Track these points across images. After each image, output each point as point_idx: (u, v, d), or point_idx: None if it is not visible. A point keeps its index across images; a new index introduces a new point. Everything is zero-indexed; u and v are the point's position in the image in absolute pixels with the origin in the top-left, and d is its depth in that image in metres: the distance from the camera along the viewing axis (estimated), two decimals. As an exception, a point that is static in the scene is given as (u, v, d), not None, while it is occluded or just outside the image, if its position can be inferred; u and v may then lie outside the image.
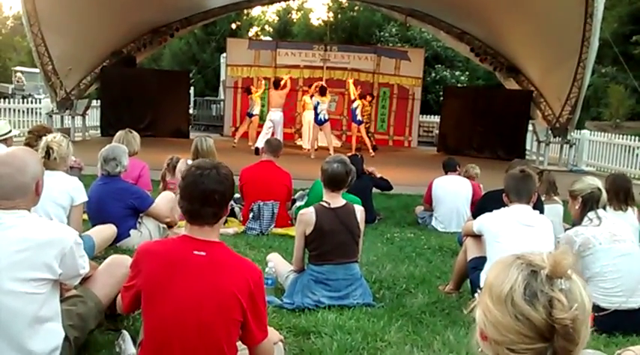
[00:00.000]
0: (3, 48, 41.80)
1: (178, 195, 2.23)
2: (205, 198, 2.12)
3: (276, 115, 12.52)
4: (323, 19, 30.38)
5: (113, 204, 4.51)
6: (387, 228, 6.24)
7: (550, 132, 12.92)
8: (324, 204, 3.56)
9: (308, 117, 13.38)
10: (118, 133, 5.64)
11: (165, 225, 4.80)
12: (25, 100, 15.32)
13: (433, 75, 25.06)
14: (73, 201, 4.00)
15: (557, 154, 13.34)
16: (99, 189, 4.58)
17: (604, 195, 3.59)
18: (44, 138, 4.18)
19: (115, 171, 4.56)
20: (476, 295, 1.23)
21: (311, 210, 3.55)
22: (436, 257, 5.09)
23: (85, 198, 4.16)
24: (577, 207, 3.57)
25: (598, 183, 3.64)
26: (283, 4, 29.34)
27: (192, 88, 19.08)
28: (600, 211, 3.51)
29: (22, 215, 2.24)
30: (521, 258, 1.15)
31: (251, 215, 5.59)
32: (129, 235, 4.56)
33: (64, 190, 3.93)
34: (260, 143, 11.84)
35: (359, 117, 13.04)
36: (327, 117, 12.42)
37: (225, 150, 11.50)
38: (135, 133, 5.67)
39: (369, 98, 13.60)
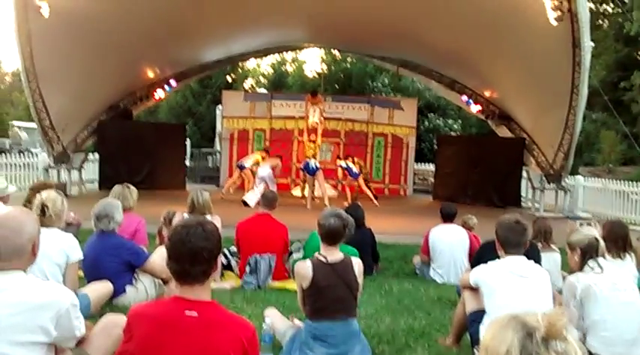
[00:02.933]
0: (1, 103, 42.27)
1: (166, 256, 2.22)
2: (193, 257, 2.10)
3: (264, 171, 12.56)
4: (317, 70, 30.96)
5: (108, 260, 4.48)
6: (385, 278, 6.20)
7: (544, 178, 13.00)
8: (321, 258, 3.54)
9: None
10: (115, 188, 5.67)
11: (161, 281, 4.76)
12: (23, 155, 15.40)
13: (426, 123, 25.38)
14: (68, 259, 3.98)
15: (553, 201, 13.39)
16: (94, 245, 4.56)
17: (602, 243, 3.59)
18: (38, 195, 4.20)
19: (108, 227, 4.56)
20: (475, 351, 1.23)
21: (308, 264, 3.53)
22: (435, 309, 5.04)
23: (81, 256, 4.14)
24: (576, 258, 3.55)
25: (595, 232, 3.63)
26: (277, 57, 30.01)
27: (188, 140, 19.25)
28: (600, 259, 3.49)
29: (17, 277, 2.23)
30: (516, 319, 1.15)
31: (248, 269, 5.56)
32: (124, 291, 4.52)
33: (60, 248, 3.91)
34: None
35: (355, 170, 13.10)
36: (318, 166, 12.50)
37: (221, 202, 11.54)
38: (132, 188, 5.70)
39: (350, 159, 13.60)
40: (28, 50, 10.91)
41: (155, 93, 16.35)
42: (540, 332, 1.11)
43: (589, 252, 3.49)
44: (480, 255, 4.81)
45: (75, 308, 2.31)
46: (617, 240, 4.38)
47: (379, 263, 6.78)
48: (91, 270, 4.52)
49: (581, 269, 3.49)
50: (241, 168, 13.47)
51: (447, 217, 6.59)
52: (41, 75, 11.51)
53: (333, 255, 3.57)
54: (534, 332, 1.12)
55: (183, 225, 2.19)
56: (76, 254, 4.06)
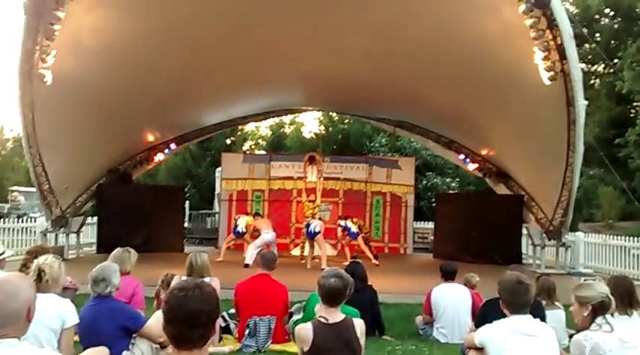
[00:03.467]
0: (2, 169, 42.57)
1: (163, 320, 2.16)
2: (191, 320, 2.04)
3: (269, 236, 12.44)
4: (315, 132, 31.35)
5: (105, 324, 4.40)
6: (388, 340, 6.07)
7: (544, 235, 12.95)
8: (322, 319, 3.47)
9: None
10: (115, 251, 5.65)
11: (158, 346, 4.65)
12: (21, 219, 15.35)
13: (424, 182, 25.50)
14: (64, 324, 3.91)
15: (554, 257, 13.28)
16: (90, 309, 4.49)
17: (613, 301, 3.50)
18: (35, 260, 4.16)
19: (105, 291, 4.50)
20: None
21: (308, 326, 3.46)
22: (440, 370, 4.92)
23: (76, 321, 4.07)
24: (585, 315, 3.43)
25: (607, 290, 3.53)
26: (276, 120, 30.48)
27: (187, 201, 19.27)
28: (608, 317, 3.39)
29: (12, 344, 2.17)
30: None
31: (247, 331, 5.44)
32: (122, 357, 4.41)
33: (55, 313, 3.85)
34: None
35: (354, 230, 13.04)
36: (317, 230, 12.46)
37: (219, 264, 11.43)
38: (133, 252, 5.68)
39: (350, 219, 13.57)
40: (29, 117, 11.08)
41: (155, 157, 16.52)
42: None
43: (601, 309, 3.38)
44: (484, 313, 4.73)
45: (70, 376, 2.25)
46: (624, 295, 4.28)
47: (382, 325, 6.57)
48: (87, 335, 4.42)
49: (589, 326, 3.39)
50: (239, 234, 13.30)
51: (448, 275, 6.50)
52: (42, 140, 11.64)
53: (334, 316, 3.50)
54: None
55: (180, 287, 2.13)
56: (72, 319, 3.99)
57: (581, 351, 3.21)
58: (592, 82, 27.17)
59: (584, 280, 6.00)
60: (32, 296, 2.32)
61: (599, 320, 3.34)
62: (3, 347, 2.15)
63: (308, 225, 12.63)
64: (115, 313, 4.47)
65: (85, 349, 4.32)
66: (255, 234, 13.06)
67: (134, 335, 4.58)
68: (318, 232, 12.41)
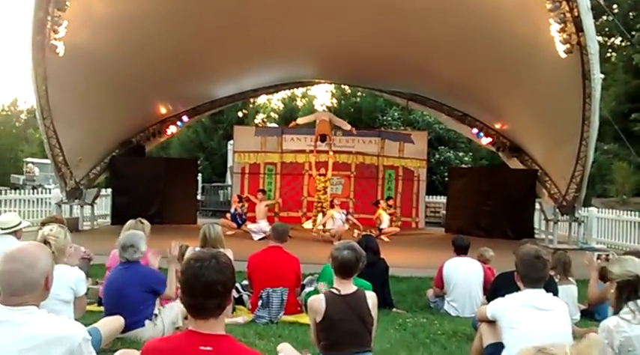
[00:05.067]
0: (16, 140, 42.90)
1: (180, 290, 2.19)
2: (208, 290, 2.07)
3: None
4: (327, 105, 31.15)
5: (133, 289, 4.51)
6: (399, 312, 6.11)
7: (557, 210, 12.88)
8: (335, 291, 3.50)
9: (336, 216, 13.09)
10: (128, 222, 5.70)
11: (180, 324, 4.72)
12: (36, 191, 15.54)
13: (437, 156, 25.36)
14: (76, 294, 3.99)
15: (566, 232, 13.25)
16: (119, 274, 4.60)
17: None
18: (40, 231, 4.20)
19: (133, 257, 4.60)
20: None
21: (321, 297, 3.49)
22: (451, 343, 4.94)
23: (85, 290, 4.16)
24: (612, 291, 3.32)
25: (639, 269, 3.27)
26: (288, 92, 30.31)
27: (199, 174, 19.34)
28: None
29: (30, 311, 2.22)
30: (543, 351, 1.12)
31: (260, 303, 5.50)
32: (143, 325, 4.50)
33: (66, 285, 3.91)
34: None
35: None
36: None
37: (232, 236, 11.53)
38: (146, 223, 5.74)
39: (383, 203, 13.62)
40: (43, 88, 11.10)
41: (167, 129, 16.55)
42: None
43: (627, 289, 3.21)
44: (496, 287, 4.73)
45: (87, 342, 2.29)
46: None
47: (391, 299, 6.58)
48: (115, 300, 4.53)
49: (618, 306, 3.22)
50: (240, 223, 13.25)
51: (460, 249, 6.49)
52: (55, 112, 11.68)
53: (346, 288, 3.53)
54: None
55: (196, 258, 2.15)
56: (83, 288, 4.08)
57: (610, 341, 3.04)
58: (608, 55, 26.66)
59: (599, 256, 5.99)
60: (50, 265, 2.36)
61: (631, 305, 3.14)
62: (22, 313, 2.19)
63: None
64: (145, 277, 4.60)
65: (108, 313, 4.41)
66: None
67: (159, 308, 4.69)
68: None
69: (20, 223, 5.94)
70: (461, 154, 26.41)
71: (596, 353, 1.09)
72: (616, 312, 3.23)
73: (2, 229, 5.70)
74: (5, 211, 11.41)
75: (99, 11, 10.27)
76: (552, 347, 1.13)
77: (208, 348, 2.04)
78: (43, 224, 5.78)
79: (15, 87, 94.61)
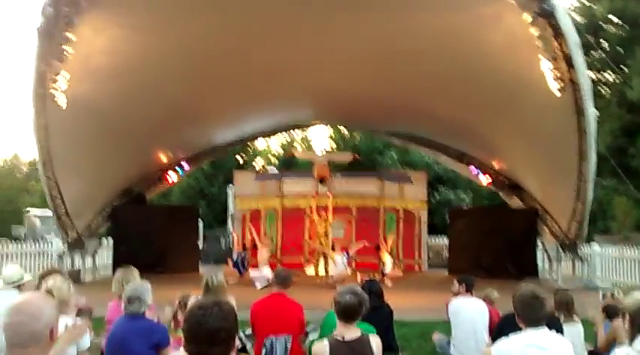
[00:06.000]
0: (17, 192, 43.05)
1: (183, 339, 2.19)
2: (211, 337, 2.08)
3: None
4: (326, 148, 31.40)
5: (137, 342, 4.46)
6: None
7: (560, 248, 12.84)
8: (338, 337, 3.49)
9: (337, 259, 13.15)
10: (117, 272, 5.71)
11: None
12: (37, 243, 15.51)
13: (437, 197, 25.42)
14: (78, 348, 3.97)
15: (570, 271, 13.16)
16: (123, 327, 4.56)
17: None
18: (44, 283, 4.21)
19: (139, 310, 4.56)
20: None
21: (325, 343, 3.47)
22: (458, 387, 4.88)
23: (89, 344, 4.14)
24: (626, 326, 3.32)
25: None
26: (287, 137, 30.64)
27: (201, 221, 19.34)
28: None
29: (35, 367, 2.22)
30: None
31: (264, 351, 5.44)
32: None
33: None
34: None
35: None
36: (345, 263, 12.74)
37: (234, 285, 11.45)
38: (133, 269, 5.71)
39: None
40: (44, 139, 11.24)
41: (168, 177, 16.65)
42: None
43: (638, 319, 3.22)
44: (501, 328, 4.70)
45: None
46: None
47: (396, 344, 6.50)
48: (118, 352, 4.47)
49: (631, 338, 3.22)
50: (242, 270, 13.26)
51: (470, 287, 6.47)
52: (57, 162, 11.79)
53: (350, 333, 3.52)
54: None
55: (199, 306, 2.18)
56: (86, 342, 4.06)
57: None
58: (601, 90, 27.02)
59: (604, 295, 5.95)
60: (55, 316, 2.36)
61: None
62: (27, 369, 2.19)
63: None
64: (149, 331, 4.54)
65: None
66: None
67: None
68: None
69: (23, 277, 5.92)
70: (462, 196, 26.46)
71: None
72: (631, 342, 3.22)
73: (5, 283, 5.68)
74: (7, 264, 11.37)
75: (98, 62, 10.49)
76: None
77: (215, 398, 2.04)
78: (41, 277, 5.79)
79: (16, 139, 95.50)
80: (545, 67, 9.52)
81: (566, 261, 13.12)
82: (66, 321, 3.95)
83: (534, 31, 9.03)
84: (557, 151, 11.75)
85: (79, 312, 5.34)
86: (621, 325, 3.69)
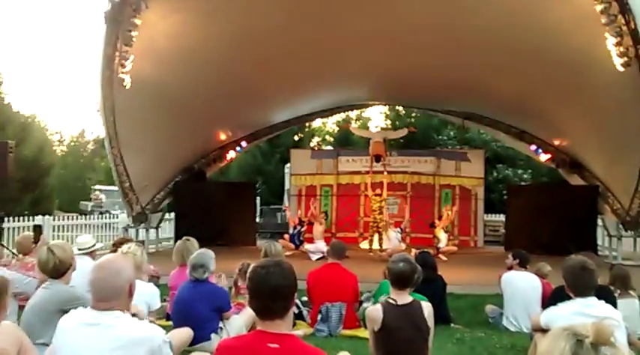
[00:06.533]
0: (84, 169, 44.87)
1: (247, 295, 2.41)
2: (274, 294, 2.28)
3: (323, 245, 12.34)
4: (381, 126, 31.30)
5: (201, 305, 4.79)
6: (457, 328, 6.16)
7: (621, 226, 12.54)
8: (391, 300, 3.66)
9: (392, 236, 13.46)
10: (177, 244, 6.08)
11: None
12: (103, 216, 16.31)
13: (495, 174, 25.03)
14: (150, 308, 4.30)
15: (631, 248, 12.84)
16: (188, 292, 4.89)
17: None
18: (119, 249, 4.57)
19: (202, 276, 4.88)
20: None
21: (378, 307, 3.65)
22: (509, 356, 4.98)
23: (159, 305, 4.46)
24: None
25: None
26: (343, 115, 30.68)
27: (258, 197, 19.79)
28: None
29: (117, 315, 2.49)
30: (568, 329, 1.28)
31: (319, 317, 5.68)
32: (210, 338, 4.77)
33: (141, 299, 4.23)
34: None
35: (397, 236, 13.35)
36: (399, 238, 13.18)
37: (290, 256, 11.77)
38: (192, 240, 6.06)
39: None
40: (111, 119, 11.74)
41: (227, 155, 17.09)
42: (589, 339, 1.23)
43: None
44: (553, 300, 4.75)
45: (166, 345, 2.55)
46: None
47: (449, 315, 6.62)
48: (182, 315, 4.81)
49: None
50: (296, 244, 13.52)
51: (524, 261, 6.53)
52: (122, 141, 12.30)
53: (403, 298, 3.68)
54: (584, 339, 1.23)
55: (262, 265, 2.39)
56: (156, 303, 4.38)
57: None
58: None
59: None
60: (133, 274, 2.64)
61: None
62: (111, 317, 2.46)
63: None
64: (212, 294, 4.88)
65: (176, 327, 4.71)
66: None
67: (224, 321, 4.96)
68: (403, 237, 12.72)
69: (95, 245, 6.35)
70: (520, 172, 25.95)
71: (612, 328, 1.23)
72: None
73: (79, 250, 6.11)
74: (77, 235, 12.07)
75: (162, 45, 10.86)
76: (576, 325, 1.28)
77: (275, 345, 2.25)
78: (114, 245, 6.21)
79: (82, 118, 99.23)
80: (610, 43, 9.27)
81: (627, 238, 12.80)
82: (138, 284, 4.28)
83: (599, 7, 8.79)
84: (620, 128, 11.43)
85: (150, 278, 5.73)
86: None
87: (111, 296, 2.50)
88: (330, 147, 30.16)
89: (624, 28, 9.12)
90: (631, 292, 5.72)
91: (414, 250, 12.18)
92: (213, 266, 4.97)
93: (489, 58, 11.71)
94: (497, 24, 10.34)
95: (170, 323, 5.15)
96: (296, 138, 29.74)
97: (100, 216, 16.73)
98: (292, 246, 13.16)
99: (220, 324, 4.93)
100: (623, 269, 5.95)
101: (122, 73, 10.46)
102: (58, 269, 3.79)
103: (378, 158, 14.43)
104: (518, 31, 10.37)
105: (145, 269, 4.62)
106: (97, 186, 33.85)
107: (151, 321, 4.05)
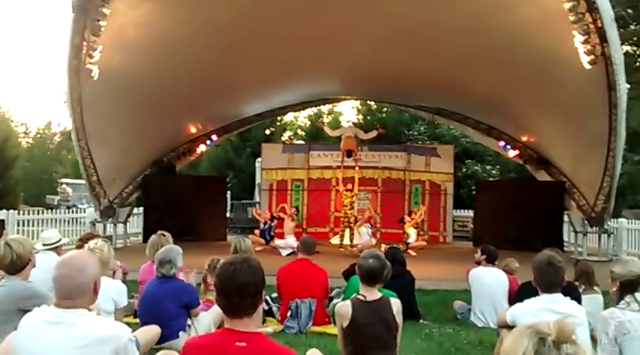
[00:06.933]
0: (50, 162, 44.01)
1: (215, 292, 2.39)
2: (242, 291, 2.26)
3: (293, 241, 12.31)
4: (353, 121, 31.37)
5: (167, 303, 4.72)
6: (426, 323, 6.21)
7: (586, 222, 12.81)
8: (360, 297, 3.67)
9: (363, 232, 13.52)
10: (151, 238, 5.98)
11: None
12: (70, 210, 16.00)
13: (464, 170, 25.32)
14: (116, 305, 4.23)
15: (596, 244, 13.14)
16: (155, 288, 4.81)
17: None
18: (86, 245, 4.48)
19: (170, 272, 4.81)
20: None
21: (347, 303, 3.66)
22: (476, 351, 5.06)
23: (126, 302, 4.39)
24: (614, 289, 3.47)
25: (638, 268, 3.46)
26: (315, 110, 30.67)
27: (229, 192, 19.67)
28: (638, 295, 3.36)
29: (82, 313, 2.43)
30: (531, 328, 1.29)
31: (289, 313, 5.67)
32: (177, 336, 4.71)
33: (108, 296, 4.15)
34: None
35: (367, 232, 13.46)
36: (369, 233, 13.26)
37: (260, 252, 11.72)
38: (168, 235, 5.99)
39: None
40: (78, 110, 11.52)
41: (197, 148, 16.94)
42: (551, 337, 1.25)
43: (629, 287, 3.38)
44: (519, 296, 4.83)
45: (132, 343, 2.50)
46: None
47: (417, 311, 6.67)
48: (149, 313, 4.74)
49: (617, 301, 3.40)
50: (267, 239, 13.53)
51: (491, 257, 6.62)
52: (90, 133, 12.09)
53: (372, 294, 3.69)
54: (546, 338, 1.25)
55: (230, 262, 2.36)
56: (123, 300, 4.32)
57: (604, 328, 3.22)
58: (638, 64, 26.38)
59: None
60: (98, 271, 2.58)
61: (628, 298, 3.33)
62: (75, 316, 2.41)
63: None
64: (179, 291, 4.81)
65: (144, 325, 4.64)
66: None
67: (192, 319, 4.91)
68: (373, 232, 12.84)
69: (60, 240, 6.22)
70: (488, 167, 26.31)
71: (574, 326, 1.25)
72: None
73: (44, 245, 5.98)
74: (42, 230, 11.81)
75: (131, 35, 10.66)
76: (539, 323, 1.30)
77: (243, 344, 2.22)
78: (81, 240, 6.09)
79: (48, 110, 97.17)
80: (578, 41, 9.43)
81: (592, 234, 13.10)
82: (104, 281, 4.20)
83: (567, 5, 8.94)
84: (586, 125, 11.67)
85: (115, 274, 5.63)
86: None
87: (75, 293, 2.45)
88: (301, 142, 30.14)
89: (591, 26, 9.30)
90: (595, 288, 5.83)
91: (383, 245, 12.38)
92: (180, 262, 4.91)
93: (460, 55, 11.82)
94: (468, 21, 10.42)
95: (137, 320, 5.08)
96: (267, 132, 29.63)
97: (66, 210, 16.35)
98: (263, 241, 13.13)
99: (189, 321, 4.88)
100: (588, 265, 6.07)
101: (90, 63, 10.25)
102: (15, 265, 3.68)
103: (349, 153, 14.48)
104: (487, 29, 10.48)
105: (112, 265, 4.54)
106: (64, 180, 33.23)
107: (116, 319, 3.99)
